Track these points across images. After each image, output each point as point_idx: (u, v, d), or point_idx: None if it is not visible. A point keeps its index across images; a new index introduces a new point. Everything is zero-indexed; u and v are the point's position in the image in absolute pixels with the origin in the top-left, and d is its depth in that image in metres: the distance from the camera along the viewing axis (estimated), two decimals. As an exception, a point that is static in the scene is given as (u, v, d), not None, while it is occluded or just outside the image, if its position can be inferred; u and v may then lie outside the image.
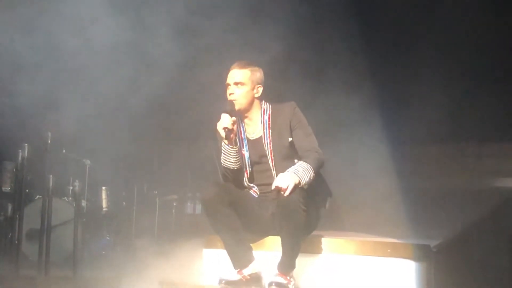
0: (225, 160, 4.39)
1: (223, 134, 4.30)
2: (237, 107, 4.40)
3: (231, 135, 4.32)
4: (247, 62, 4.49)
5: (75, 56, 6.16)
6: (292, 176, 4.10)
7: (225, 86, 4.49)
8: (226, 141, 4.34)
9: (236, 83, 4.43)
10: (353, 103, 6.58)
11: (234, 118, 4.34)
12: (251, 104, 4.48)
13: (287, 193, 4.04)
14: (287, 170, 4.16)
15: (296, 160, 4.32)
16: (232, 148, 4.35)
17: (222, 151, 4.38)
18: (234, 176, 4.45)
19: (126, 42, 5.99)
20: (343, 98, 6.56)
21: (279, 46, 6.35)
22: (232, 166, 4.40)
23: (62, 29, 5.96)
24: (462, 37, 7.59)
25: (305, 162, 4.23)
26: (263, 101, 4.52)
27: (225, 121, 4.30)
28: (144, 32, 6.07)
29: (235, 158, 4.38)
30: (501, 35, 7.58)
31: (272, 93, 4.71)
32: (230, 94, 4.43)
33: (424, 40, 7.78)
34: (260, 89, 4.49)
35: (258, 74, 4.48)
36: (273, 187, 4.09)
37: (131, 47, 6.06)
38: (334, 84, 6.75)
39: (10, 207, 6.94)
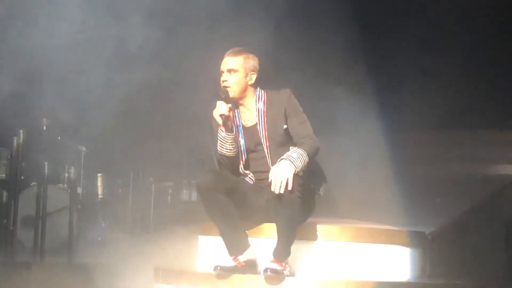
0: (222, 147, 4.39)
1: (219, 121, 4.30)
2: (230, 94, 4.40)
3: (228, 122, 4.31)
4: (241, 49, 4.48)
5: (69, 42, 6.14)
6: (288, 166, 4.09)
7: (219, 73, 4.47)
8: (223, 128, 4.33)
9: (229, 70, 4.42)
10: (348, 90, 6.58)
11: (229, 105, 4.34)
12: (244, 91, 4.47)
13: (289, 186, 4.04)
14: (282, 157, 4.16)
15: (291, 147, 4.32)
16: (228, 135, 4.34)
17: (219, 138, 4.38)
18: (230, 163, 4.45)
19: (119, 28, 5.97)
20: (338, 86, 6.56)
21: (273, 33, 6.34)
22: (228, 153, 4.40)
23: (55, 17, 5.95)
24: (460, 23, 7.59)
25: (299, 148, 4.23)
26: (258, 88, 4.51)
27: (221, 108, 4.30)
28: (136, 17, 6.05)
29: (231, 145, 4.37)
30: (500, 22, 7.59)
31: (268, 80, 4.71)
32: (223, 81, 4.42)
33: (420, 26, 7.78)
34: (254, 76, 4.47)
35: (252, 61, 4.46)
36: (271, 179, 4.08)
37: (123, 33, 6.04)
38: (329, 71, 6.75)
39: (5, 194, 6.94)
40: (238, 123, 4.49)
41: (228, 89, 4.39)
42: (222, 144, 4.38)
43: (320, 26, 6.94)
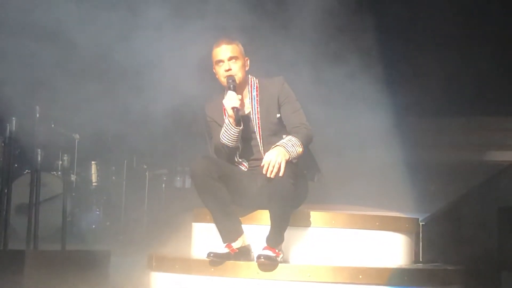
0: (227, 138, 4.33)
1: (231, 113, 4.26)
2: (237, 82, 4.37)
3: (237, 115, 4.26)
4: (230, 38, 4.46)
5: (63, 28, 6.11)
6: (282, 152, 4.10)
7: (216, 64, 4.42)
8: (231, 120, 4.28)
9: (230, 58, 4.39)
10: (342, 76, 6.57)
11: (240, 96, 4.31)
12: (245, 78, 4.45)
13: (281, 172, 4.04)
14: (276, 144, 4.16)
15: (284, 136, 4.31)
16: (236, 128, 4.30)
17: (224, 128, 4.32)
18: (230, 152, 4.41)
19: (113, 12, 5.95)
20: (332, 71, 6.55)
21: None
22: (230, 144, 4.35)
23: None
24: (454, 13, 7.60)
25: (293, 136, 4.23)
26: (249, 76, 4.50)
27: (234, 100, 4.26)
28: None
29: (236, 136, 4.32)
30: (495, 10, 7.60)
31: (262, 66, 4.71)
32: (227, 70, 4.38)
33: (416, 14, 7.78)
34: (248, 62, 4.47)
35: (242, 47, 4.46)
36: (263, 164, 4.09)
37: (118, 15, 6.02)
38: (323, 55, 6.73)
39: (-2, 181, 6.92)
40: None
41: (235, 77, 4.36)
42: (226, 135, 4.32)
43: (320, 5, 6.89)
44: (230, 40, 4.43)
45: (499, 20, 7.67)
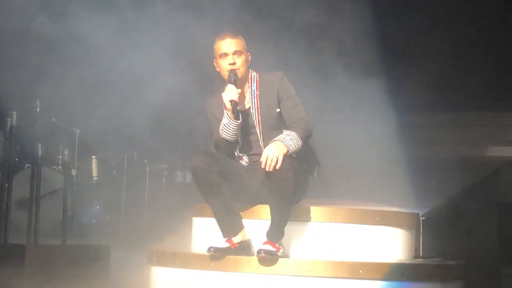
0: (226, 133, 4.33)
1: (229, 106, 4.26)
2: (239, 76, 4.37)
3: (236, 108, 4.26)
4: (234, 31, 4.45)
5: (65, 24, 6.11)
6: (280, 146, 4.11)
7: (219, 57, 4.40)
8: (230, 114, 4.28)
9: (235, 52, 4.38)
10: (343, 72, 6.57)
11: (239, 90, 4.31)
12: (247, 73, 4.45)
13: (278, 165, 4.05)
14: (274, 139, 4.17)
15: (284, 131, 4.32)
16: (234, 121, 4.30)
17: (223, 123, 4.32)
18: (229, 147, 4.41)
19: (113, 11, 5.96)
20: (333, 66, 6.55)
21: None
22: (229, 138, 4.35)
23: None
24: (457, 7, 7.59)
25: (292, 131, 4.23)
26: (250, 70, 4.50)
27: (233, 93, 4.26)
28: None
29: (235, 130, 4.33)
30: (497, 6, 7.59)
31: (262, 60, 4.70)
32: (231, 64, 4.36)
33: (415, 10, 7.77)
34: (250, 57, 4.47)
35: (244, 42, 4.46)
36: (262, 159, 4.09)
37: (118, 14, 6.03)
38: (324, 51, 6.73)
39: (-1, 176, 6.93)
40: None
41: (237, 71, 4.36)
42: (225, 129, 4.32)
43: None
44: (234, 34, 4.42)
45: (498, 16, 7.67)
